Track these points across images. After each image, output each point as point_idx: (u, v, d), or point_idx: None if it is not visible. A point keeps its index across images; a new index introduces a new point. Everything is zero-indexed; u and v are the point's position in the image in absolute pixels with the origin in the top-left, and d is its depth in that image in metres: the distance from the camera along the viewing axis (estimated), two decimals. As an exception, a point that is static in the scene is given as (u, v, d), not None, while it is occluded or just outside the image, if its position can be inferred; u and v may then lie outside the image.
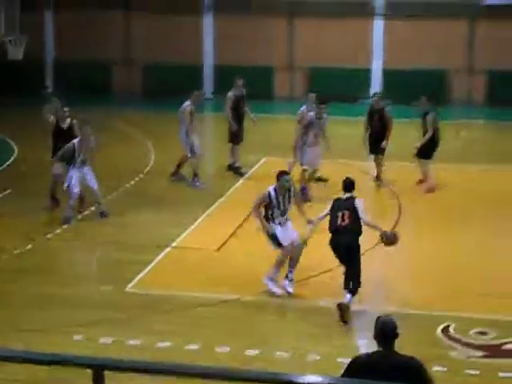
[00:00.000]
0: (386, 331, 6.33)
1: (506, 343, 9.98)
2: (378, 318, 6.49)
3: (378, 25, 27.19)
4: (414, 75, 26.35)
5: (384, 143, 16.78)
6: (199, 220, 14.76)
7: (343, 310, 10.46)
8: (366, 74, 27.32)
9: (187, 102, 16.84)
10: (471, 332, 10.22)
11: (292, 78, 28.04)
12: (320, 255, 11.81)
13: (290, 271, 11.44)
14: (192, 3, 27.96)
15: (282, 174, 11.65)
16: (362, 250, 11.07)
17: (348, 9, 27.11)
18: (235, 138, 17.91)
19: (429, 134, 16.26)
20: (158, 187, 16.93)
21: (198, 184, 16.80)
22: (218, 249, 13.28)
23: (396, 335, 6.33)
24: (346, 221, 10.82)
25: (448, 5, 26.48)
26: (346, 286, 10.66)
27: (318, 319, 10.73)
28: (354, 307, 10.67)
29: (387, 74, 27.11)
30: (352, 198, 11.08)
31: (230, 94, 17.96)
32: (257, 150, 19.55)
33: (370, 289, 11.93)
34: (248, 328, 10.51)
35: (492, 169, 18.31)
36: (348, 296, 10.56)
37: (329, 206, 11.14)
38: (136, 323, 10.57)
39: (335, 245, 10.86)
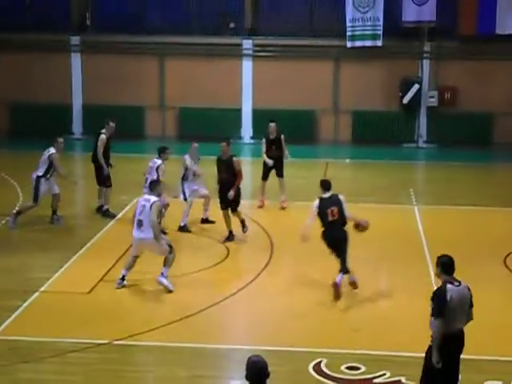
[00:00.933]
0: (256, 371, 6.36)
1: (376, 377, 10.18)
2: (249, 358, 6.51)
3: (247, 66, 27.63)
4: (283, 115, 26.86)
5: (231, 193, 15.59)
6: (68, 263, 14.46)
7: (337, 288, 12.46)
8: (236, 114, 27.65)
9: (52, 150, 16.61)
10: (343, 367, 10.39)
11: (163, 118, 28.05)
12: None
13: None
14: (60, 43, 27.62)
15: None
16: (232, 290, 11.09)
17: (218, 50, 27.43)
18: (107, 181, 17.72)
19: None
20: (25, 230, 16.49)
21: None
22: (89, 292, 13.04)
23: (267, 375, 6.37)
24: (336, 216, 12.64)
25: (314, 46, 27.20)
26: (342, 270, 12.60)
27: (192, 362, 10.67)
28: (225, 347, 10.64)
29: (257, 114, 27.51)
30: (335, 195, 12.86)
31: (103, 136, 17.73)
32: (129, 190, 19.38)
33: (241, 327, 11.99)
34: (121, 372, 10.31)
35: (358, 206, 18.83)
36: (340, 276, 12.54)
37: (314, 209, 12.81)
38: (3, 372, 10.18)
39: (331, 238, 12.73)
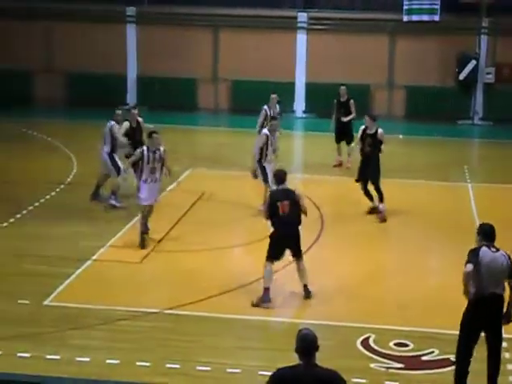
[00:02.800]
0: (306, 344, 6.37)
1: (424, 355, 10.13)
2: (299, 331, 6.52)
3: (301, 39, 27.45)
4: (337, 89, 26.65)
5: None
6: (121, 233, 14.60)
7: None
8: (289, 87, 27.52)
9: (112, 122, 16.23)
10: (391, 344, 10.35)
11: (216, 90, 28.06)
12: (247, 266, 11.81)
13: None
14: (116, 14, 27.76)
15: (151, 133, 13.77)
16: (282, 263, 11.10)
17: (273, 22, 27.30)
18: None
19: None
20: (78, 199, 16.68)
21: (114, 202, 16.17)
22: (140, 261, 13.17)
23: (317, 348, 6.38)
24: (287, 211, 11.33)
25: (370, 20, 26.92)
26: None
27: (240, 332, 10.74)
28: (274, 320, 10.67)
29: (310, 88, 27.36)
30: (290, 189, 11.56)
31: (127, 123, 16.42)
32: (181, 161, 19.49)
33: (291, 301, 12.01)
34: (169, 341, 10.42)
35: (409, 182, 18.68)
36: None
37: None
38: (55, 338, 10.38)
39: (279, 235, 11.45)
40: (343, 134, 19.71)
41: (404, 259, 13.66)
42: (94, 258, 13.30)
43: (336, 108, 19.90)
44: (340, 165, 19.76)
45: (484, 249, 8.68)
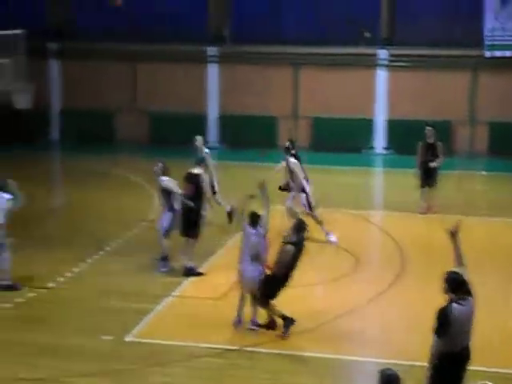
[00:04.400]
0: (389, 384, 6.27)
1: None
2: (382, 370, 6.41)
3: (382, 76, 27.40)
4: (417, 126, 26.49)
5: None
6: (202, 269, 14.71)
7: None
8: (369, 124, 27.45)
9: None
10: (476, 384, 10.10)
11: (296, 127, 28.18)
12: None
13: None
14: (198, 53, 28.25)
15: None
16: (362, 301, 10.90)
17: (352, 60, 27.35)
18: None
19: None
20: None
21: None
22: (220, 298, 13.23)
23: (399, 388, 6.28)
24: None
25: (451, 56, 26.72)
26: None
27: (320, 371, 10.64)
28: (354, 359, 10.55)
29: (391, 125, 27.24)
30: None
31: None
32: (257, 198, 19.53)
33: (371, 339, 11.86)
34: (250, 379, 10.40)
35: (492, 220, 18.31)
36: None
37: None
38: (136, 374, 10.48)
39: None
40: (429, 177, 18.68)
41: (492, 293, 13.38)
42: (175, 293, 13.42)
43: (422, 150, 18.67)
44: (426, 212, 18.75)
45: (454, 306, 8.11)
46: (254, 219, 11.66)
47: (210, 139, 28.25)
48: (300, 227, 11.57)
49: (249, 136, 27.70)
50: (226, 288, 13.60)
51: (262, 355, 11.10)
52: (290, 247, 11.51)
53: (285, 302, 13.12)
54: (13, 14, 28.20)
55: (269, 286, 11.51)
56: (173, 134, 27.78)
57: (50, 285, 13.80)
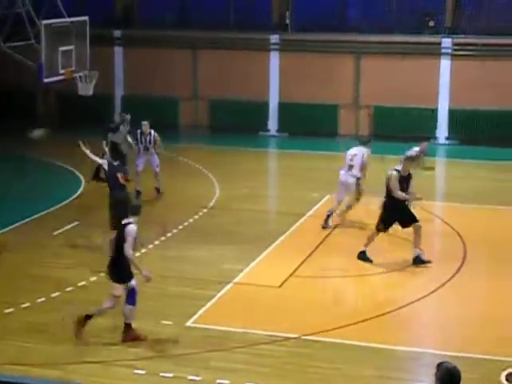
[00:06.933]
0: (449, 378, 6.19)
1: None
2: (441, 364, 6.36)
3: (445, 64, 27.04)
4: (482, 115, 26.15)
5: None
6: (261, 256, 14.79)
7: None
8: (431, 113, 27.12)
9: (364, 150, 16.66)
10: (537, 380, 9.97)
11: (357, 116, 28.01)
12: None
13: None
14: (260, 41, 28.26)
15: None
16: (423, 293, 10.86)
17: (416, 49, 27.05)
18: None
19: None
20: (221, 223, 17.02)
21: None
22: (280, 286, 13.28)
23: (459, 382, 6.22)
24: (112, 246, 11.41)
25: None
26: None
27: (380, 362, 10.61)
28: (415, 350, 10.49)
29: (454, 114, 26.88)
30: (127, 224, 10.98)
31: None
32: (320, 187, 19.56)
33: (431, 330, 11.79)
34: (308, 367, 10.43)
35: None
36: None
37: None
38: (196, 359, 10.60)
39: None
40: None
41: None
42: (235, 281, 13.51)
43: None
44: None
45: None
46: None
47: (271, 127, 28.24)
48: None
49: (309, 124, 27.63)
50: (286, 276, 13.65)
51: (322, 344, 11.12)
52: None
53: (344, 290, 13.13)
54: (82, 2, 28.54)
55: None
56: (233, 122, 27.85)
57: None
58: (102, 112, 28.54)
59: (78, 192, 19.30)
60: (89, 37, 23.39)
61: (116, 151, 16.80)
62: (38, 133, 19.07)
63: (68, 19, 22.48)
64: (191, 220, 17.14)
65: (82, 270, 13.88)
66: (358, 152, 16.65)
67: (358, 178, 16.61)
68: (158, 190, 19.11)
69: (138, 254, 14.71)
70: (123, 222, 11.07)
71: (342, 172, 16.70)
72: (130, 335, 11.08)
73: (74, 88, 23.44)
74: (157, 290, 13.03)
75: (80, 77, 23.10)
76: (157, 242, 15.47)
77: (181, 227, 16.59)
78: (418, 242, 14.15)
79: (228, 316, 12.08)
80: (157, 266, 14.23)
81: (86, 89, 23.39)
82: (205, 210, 17.84)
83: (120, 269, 11.04)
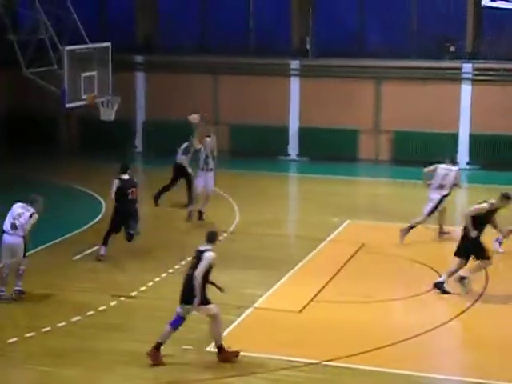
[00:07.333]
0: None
1: None
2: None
3: (466, 90, 27.00)
4: (503, 140, 26.08)
5: None
6: (282, 281, 14.75)
7: None
8: (452, 138, 27.05)
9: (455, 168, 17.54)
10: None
11: (378, 141, 27.99)
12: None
13: None
14: (281, 67, 28.38)
15: None
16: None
17: (436, 74, 27.06)
18: None
19: None
20: (241, 247, 17.02)
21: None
22: (300, 311, 13.23)
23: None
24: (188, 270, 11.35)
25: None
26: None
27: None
28: (437, 377, 10.38)
29: (475, 139, 26.80)
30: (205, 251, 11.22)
31: None
32: (340, 212, 19.53)
33: (453, 357, 11.68)
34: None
35: None
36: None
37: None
38: (216, 384, 10.56)
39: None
40: None
41: None
42: (255, 305, 13.47)
43: None
44: None
45: None
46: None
47: (291, 152, 28.26)
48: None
49: (329, 149, 27.65)
50: (307, 301, 13.60)
51: (341, 370, 11.05)
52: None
53: (364, 315, 13.07)
54: (104, 28, 28.86)
55: None
56: (254, 147, 27.91)
57: (132, 293, 14.03)
58: (122, 137, 28.79)
59: (99, 217, 19.37)
60: (111, 62, 23.60)
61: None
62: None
63: (91, 45, 22.71)
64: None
65: (102, 294, 13.91)
66: (448, 172, 17.20)
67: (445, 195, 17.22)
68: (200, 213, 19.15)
69: (157, 279, 14.79)
70: (201, 248, 11.27)
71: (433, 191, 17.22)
72: (155, 354, 11.09)
73: (96, 113, 23.63)
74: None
75: (102, 102, 23.29)
76: (177, 267, 15.46)
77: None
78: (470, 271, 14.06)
79: (248, 341, 12.03)
80: (177, 290, 14.20)
81: (108, 114, 23.58)
82: (225, 235, 17.84)
83: (193, 291, 11.14)
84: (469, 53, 27.28)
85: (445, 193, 17.27)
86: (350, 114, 27.82)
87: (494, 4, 25.69)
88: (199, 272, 11.02)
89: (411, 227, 17.13)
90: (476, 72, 26.89)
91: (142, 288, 14.32)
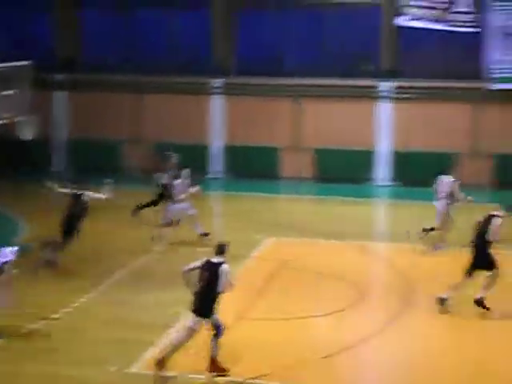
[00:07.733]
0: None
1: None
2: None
3: (383, 107, 27.54)
4: (421, 157, 26.64)
5: None
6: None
7: None
8: (370, 155, 27.53)
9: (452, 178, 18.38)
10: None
11: (299, 159, 28.28)
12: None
13: None
14: (203, 85, 28.48)
15: None
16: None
17: (353, 92, 27.53)
18: None
19: None
20: (167, 267, 16.88)
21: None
22: (208, 328, 13.18)
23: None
24: (202, 282, 11.21)
25: (453, 89, 26.87)
26: None
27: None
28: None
29: (395, 156, 27.33)
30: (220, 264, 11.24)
31: None
32: (263, 229, 19.66)
33: (371, 373, 11.85)
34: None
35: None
36: None
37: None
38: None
39: None
40: None
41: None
42: (178, 324, 13.40)
43: None
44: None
45: None
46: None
47: (214, 169, 28.33)
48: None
49: (252, 166, 27.85)
50: (230, 319, 13.62)
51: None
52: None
53: (288, 332, 13.16)
54: (22, 47, 28.48)
55: None
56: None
57: (56, 315, 13.82)
58: (41, 156, 28.45)
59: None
60: (31, 81, 23.26)
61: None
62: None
63: (9, 64, 22.33)
64: (136, 263, 17.03)
65: (24, 317, 13.65)
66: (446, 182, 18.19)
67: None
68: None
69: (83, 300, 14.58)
70: (214, 260, 11.23)
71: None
72: (216, 367, 11.31)
73: (15, 132, 23.24)
74: (100, 336, 12.88)
75: (21, 121, 22.93)
76: (101, 287, 15.26)
77: (125, 271, 16.46)
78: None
79: (172, 360, 11.96)
80: (99, 310, 14.05)
81: (27, 133, 23.22)
82: (149, 255, 17.72)
83: (209, 304, 11.22)
84: (384, 71, 27.85)
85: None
86: (271, 131, 28.10)
87: (406, 23, 26.35)
88: (222, 289, 11.11)
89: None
90: (393, 90, 27.46)
91: (66, 309, 14.12)
